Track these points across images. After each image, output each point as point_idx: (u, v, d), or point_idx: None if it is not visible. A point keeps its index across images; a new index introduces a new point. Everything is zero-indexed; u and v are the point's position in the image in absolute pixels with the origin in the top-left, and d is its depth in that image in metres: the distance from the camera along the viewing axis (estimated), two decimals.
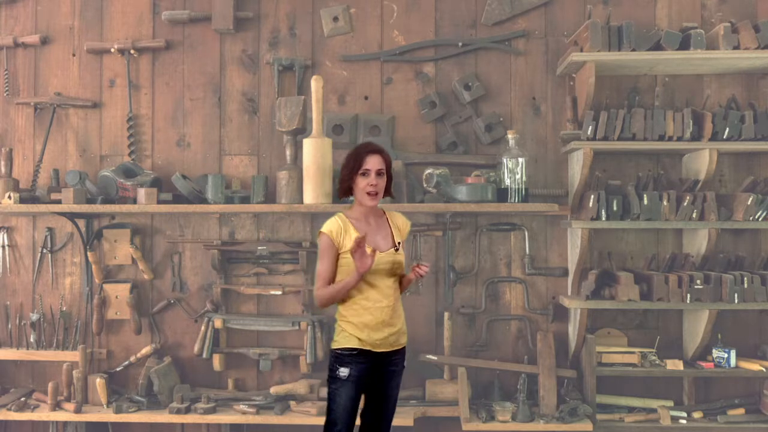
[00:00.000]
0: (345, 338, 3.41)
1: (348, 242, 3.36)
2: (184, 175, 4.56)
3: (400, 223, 3.58)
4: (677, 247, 4.63)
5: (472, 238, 4.68)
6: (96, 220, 4.80)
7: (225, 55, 4.81)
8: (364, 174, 3.40)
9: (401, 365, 3.53)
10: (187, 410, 4.43)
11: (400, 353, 3.51)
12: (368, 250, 3.31)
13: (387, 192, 3.50)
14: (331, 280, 3.41)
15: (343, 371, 3.38)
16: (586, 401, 4.37)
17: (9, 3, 4.89)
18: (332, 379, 3.42)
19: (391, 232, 3.51)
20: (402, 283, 3.52)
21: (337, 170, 4.50)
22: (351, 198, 3.52)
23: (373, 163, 3.40)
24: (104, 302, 4.73)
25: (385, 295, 3.41)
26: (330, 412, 3.42)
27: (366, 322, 3.39)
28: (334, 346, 3.44)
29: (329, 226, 3.41)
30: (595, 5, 4.64)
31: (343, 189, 3.48)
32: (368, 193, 3.40)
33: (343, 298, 3.41)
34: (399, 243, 3.47)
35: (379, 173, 3.40)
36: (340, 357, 3.40)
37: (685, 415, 4.43)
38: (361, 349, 3.39)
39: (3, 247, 4.85)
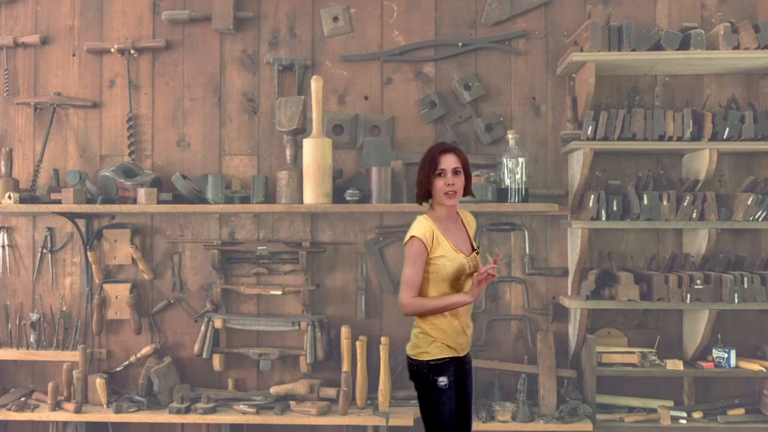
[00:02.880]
0: (438, 348, 3.32)
1: (439, 247, 3.27)
2: (184, 175, 4.56)
3: (470, 220, 3.51)
4: (677, 247, 4.63)
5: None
6: (96, 220, 4.80)
7: (225, 55, 4.81)
8: (440, 174, 3.29)
9: (471, 362, 3.50)
10: (187, 410, 4.43)
11: (468, 353, 3.49)
12: (460, 257, 3.29)
13: (467, 191, 3.38)
14: (420, 287, 3.30)
15: (443, 380, 3.30)
16: (586, 401, 4.37)
17: (9, 3, 4.89)
18: (431, 389, 3.31)
19: (468, 234, 3.45)
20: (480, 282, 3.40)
21: (338, 170, 4.53)
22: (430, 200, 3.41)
23: (447, 162, 3.29)
24: (104, 302, 4.73)
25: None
26: (439, 422, 3.32)
27: (455, 326, 3.34)
28: (426, 357, 3.31)
29: (422, 231, 3.27)
30: (595, 5, 4.64)
31: (421, 193, 3.36)
32: (446, 194, 3.29)
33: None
34: (477, 246, 3.41)
35: (455, 172, 3.30)
36: (435, 367, 3.31)
37: (685, 415, 4.43)
38: (452, 357, 3.35)
39: (3, 247, 4.85)
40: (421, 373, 3.33)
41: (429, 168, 3.31)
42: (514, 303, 4.69)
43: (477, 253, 3.37)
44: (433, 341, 3.32)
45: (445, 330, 3.32)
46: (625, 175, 4.61)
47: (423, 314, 3.30)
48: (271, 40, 4.79)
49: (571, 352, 4.57)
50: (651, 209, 4.29)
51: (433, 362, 3.31)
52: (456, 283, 3.31)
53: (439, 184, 3.29)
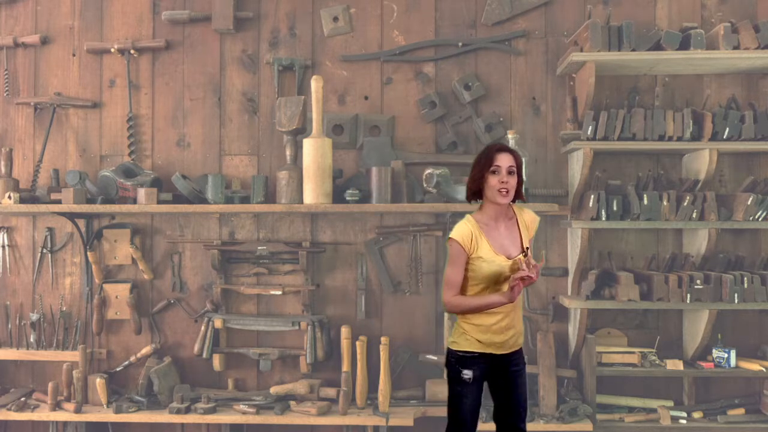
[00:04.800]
0: (467, 341, 3.36)
1: (478, 248, 3.30)
2: (184, 175, 4.56)
3: (529, 219, 3.48)
4: (677, 247, 4.63)
5: None
6: (96, 220, 4.80)
7: (225, 55, 4.81)
8: (494, 172, 3.31)
9: (522, 364, 3.48)
10: (187, 410, 4.43)
11: (518, 353, 3.47)
12: (499, 259, 3.29)
13: (518, 194, 3.39)
14: (461, 286, 3.35)
15: (467, 373, 3.35)
16: (586, 401, 4.37)
17: (9, 3, 4.89)
18: (455, 380, 3.38)
19: (520, 234, 3.42)
20: (524, 281, 3.35)
21: (338, 170, 4.53)
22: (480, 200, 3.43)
23: (503, 160, 3.31)
24: (104, 302, 4.73)
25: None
26: (456, 413, 3.38)
27: (489, 325, 3.35)
28: (455, 347, 3.38)
29: (460, 233, 3.31)
30: (595, 5, 4.64)
31: (472, 189, 3.38)
32: (499, 191, 3.30)
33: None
34: (527, 248, 3.37)
35: (510, 171, 3.31)
36: (462, 359, 3.37)
37: (685, 415, 4.43)
38: (482, 353, 3.36)
39: (3, 247, 4.85)
40: (449, 362, 3.41)
41: (484, 164, 3.33)
42: None
43: (525, 255, 3.33)
44: (463, 333, 3.38)
45: (477, 325, 3.35)
46: (625, 175, 4.61)
47: (462, 312, 3.36)
48: (271, 40, 4.79)
49: (571, 352, 4.57)
50: (651, 209, 4.29)
51: (461, 353, 3.37)
52: (495, 284, 3.34)
53: (493, 181, 3.31)
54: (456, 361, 3.38)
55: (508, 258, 3.33)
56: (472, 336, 3.36)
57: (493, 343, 3.36)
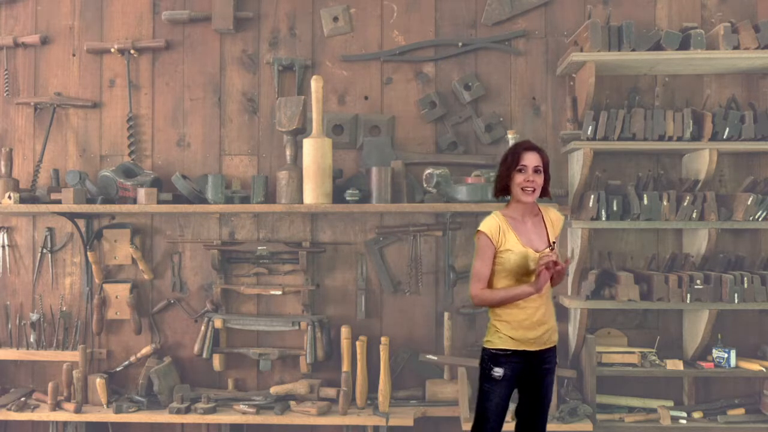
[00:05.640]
0: (500, 339, 3.40)
1: (505, 241, 3.36)
2: (184, 175, 4.56)
3: (554, 217, 3.54)
4: (677, 247, 4.63)
5: (472, 238, 4.68)
6: (96, 220, 4.80)
7: (225, 55, 4.81)
8: (521, 170, 3.37)
9: (554, 362, 3.52)
10: (187, 410, 4.43)
11: (552, 351, 3.49)
12: (526, 251, 3.34)
13: (545, 192, 3.44)
14: (488, 279, 3.39)
15: (498, 371, 3.38)
16: (586, 401, 4.37)
17: (9, 3, 4.89)
18: (485, 377, 3.41)
19: (546, 231, 3.48)
20: (552, 279, 3.41)
21: (338, 170, 4.53)
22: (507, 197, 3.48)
23: (530, 159, 3.37)
24: (104, 302, 4.73)
25: (539, 293, 3.39)
26: (482, 410, 3.40)
27: (520, 321, 3.38)
28: (488, 345, 3.42)
29: (488, 225, 3.39)
30: (595, 5, 4.64)
31: (500, 186, 3.45)
32: (524, 189, 3.37)
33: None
34: (554, 243, 3.44)
35: (536, 170, 3.37)
36: (494, 357, 3.40)
37: (685, 415, 4.43)
38: (515, 350, 3.39)
39: (3, 247, 4.85)
40: (482, 359, 3.44)
41: (511, 163, 3.39)
42: None
43: (552, 249, 3.39)
44: (496, 332, 3.41)
45: (509, 322, 3.39)
46: (625, 175, 4.61)
47: (490, 305, 3.40)
48: (271, 40, 4.79)
49: (571, 352, 4.57)
50: (651, 209, 4.29)
51: (494, 351, 3.40)
52: (523, 276, 3.38)
53: (519, 179, 3.37)
54: (489, 358, 3.41)
55: (536, 251, 3.38)
56: (504, 333, 3.39)
57: (526, 340, 3.39)
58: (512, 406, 3.52)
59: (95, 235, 4.78)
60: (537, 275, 3.29)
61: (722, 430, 4.34)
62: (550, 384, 3.51)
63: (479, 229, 3.40)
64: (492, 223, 3.39)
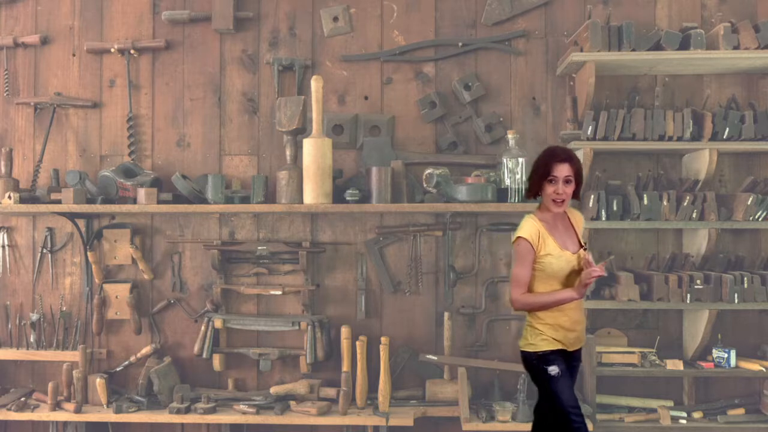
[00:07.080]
0: (544, 341, 3.45)
1: (545, 246, 3.40)
2: (184, 175, 4.56)
3: (578, 218, 3.62)
4: (677, 247, 4.64)
5: (472, 238, 4.68)
6: (96, 220, 4.80)
7: (225, 55, 4.81)
8: (551, 181, 3.41)
9: (580, 360, 3.62)
10: (187, 410, 4.43)
11: (581, 349, 3.60)
12: (566, 254, 3.40)
13: (575, 196, 3.50)
14: (529, 284, 3.43)
15: (553, 369, 3.42)
16: (586, 401, 4.37)
17: (9, 3, 4.89)
18: (546, 379, 3.43)
19: (575, 232, 3.55)
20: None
21: (338, 170, 4.53)
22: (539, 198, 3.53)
23: (560, 171, 3.40)
24: (104, 302, 4.73)
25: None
26: (557, 411, 3.41)
27: (561, 323, 3.45)
28: (531, 349, 3.47)
29: (528, 231, 3.42)
30: (595, 5, 4.64)
31: (531, 192, 3.50)
32: (554, 200, 3.42)
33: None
34: (585, 244, 3.50)
35: (566, 181, 3.42)
36: (544, 357, 3.44)
37: (685, 415, 4.43)
38: (560, 350, 3.45)
39: (3, 247, 4.85)
40: (531, 364, 3.48)
41: (542, 173, 3.43)
42: None
43: (585, 249, 3.46)
44: (539, 334, 3.46)
45: (551, 325, 3.44)
46: (625, 175, 4.61)
47: (531, 309, 3.44)
48: (271, 40, 4.79)
49: None
50: (651, 209, 4.30)
51: (541, 353, 3.45)
52: (565, 279, 3.43)
53: (549, 191, 3.42)
54: (538, 361, 3.45)
55: (571, 253, 3.44)
56: (548, 335, 3.45)
57: (567, 340, 3.47)
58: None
59: (95, 235, 4.78)
60: (584, 284, 3.33)
61: (722, 430, 4.34)
62: (575, 381, 3.59)
63: (519, 235, 3.42)
64: (532, 230, 3.42)
